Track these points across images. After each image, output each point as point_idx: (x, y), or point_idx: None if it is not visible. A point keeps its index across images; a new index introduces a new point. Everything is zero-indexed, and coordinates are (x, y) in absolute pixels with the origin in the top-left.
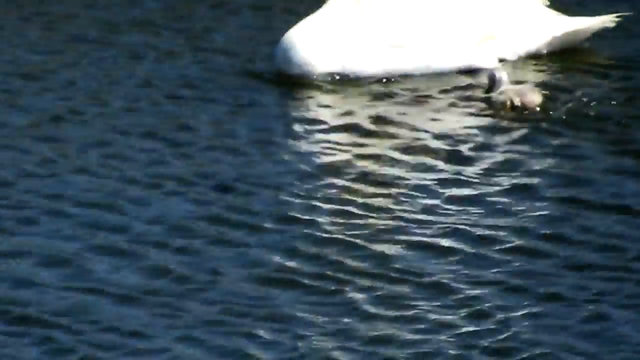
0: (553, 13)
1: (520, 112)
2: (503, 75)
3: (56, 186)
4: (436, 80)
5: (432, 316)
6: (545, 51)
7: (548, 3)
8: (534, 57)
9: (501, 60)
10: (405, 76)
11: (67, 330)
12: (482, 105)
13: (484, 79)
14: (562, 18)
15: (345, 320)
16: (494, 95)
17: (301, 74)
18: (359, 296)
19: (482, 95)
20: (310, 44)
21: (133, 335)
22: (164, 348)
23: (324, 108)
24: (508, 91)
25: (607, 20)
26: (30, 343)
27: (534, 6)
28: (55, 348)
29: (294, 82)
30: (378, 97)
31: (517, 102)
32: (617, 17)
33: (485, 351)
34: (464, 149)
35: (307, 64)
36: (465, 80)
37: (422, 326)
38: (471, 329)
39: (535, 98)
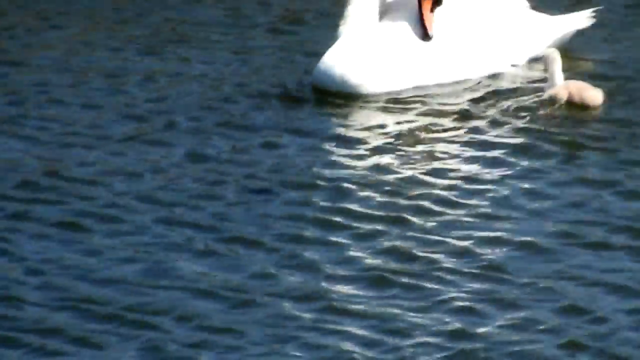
0: (543, 15)
1: (580, 110)
2: (558, 61)
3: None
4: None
5: (536, 316)
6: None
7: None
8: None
9: (513, 65)
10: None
11: (160, 328)
12: (529, 111)
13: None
14: (555, 18)
15: (446, 319)
16: (547, 90)
17: (353, 93)
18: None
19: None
20: (361, 64)
21: (223, 332)
22: (255, 343)
23: (383, 122)
24: (566, 86)
25: (587, 16)
26: (129, 341)
27: (526, 9)
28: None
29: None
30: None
31: (577, 99)
32: (594, 11)
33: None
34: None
35: (360, 85)
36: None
37: (525, 325)
38: (578, 331)
39: (597, 94)
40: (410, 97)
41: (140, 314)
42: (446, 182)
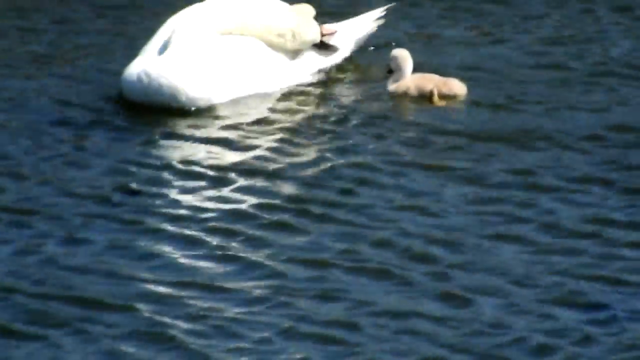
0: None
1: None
2: (408, 58)
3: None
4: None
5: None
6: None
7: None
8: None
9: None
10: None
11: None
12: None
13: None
14: (351, 22)
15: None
16: (396, 85)
17: (178, 104)
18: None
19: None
20: (187, 75)
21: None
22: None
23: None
24: (426, 79)
25: (378, 15)
26: None
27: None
28: None
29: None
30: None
31: (445, 89)
32: (384, 10)
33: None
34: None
35: (186, 94)
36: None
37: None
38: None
39: (460, 87)
40: (232, 107)
41: None
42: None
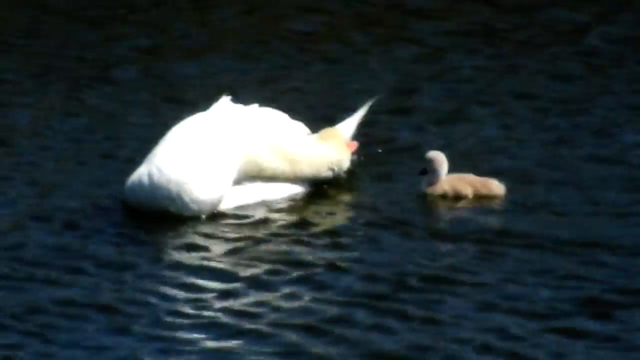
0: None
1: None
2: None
3: None
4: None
5: None
6: None
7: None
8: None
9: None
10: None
11: None
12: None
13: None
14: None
15: None
16: (432, 184)
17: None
18: None
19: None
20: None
21: None
22: None
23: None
24: (465, 180)
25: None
26: None
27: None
28: None
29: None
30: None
31: (484, 190)
32: (370, 105)
33: None
34: None
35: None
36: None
37: None
38: None
39: (498, 187)
40: (234, 215)
41: None
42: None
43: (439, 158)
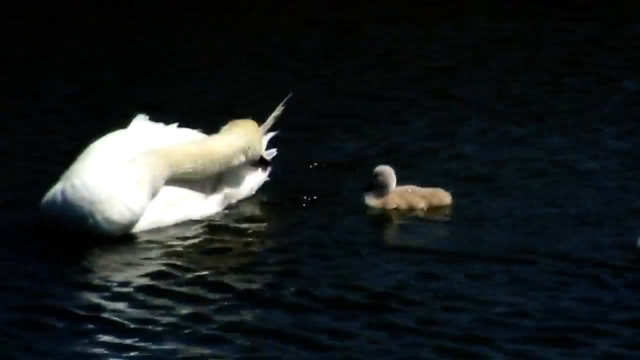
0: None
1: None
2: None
3: None
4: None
5: None
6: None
7: None
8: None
9: (227, 208)
10: None
11: None
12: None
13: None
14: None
15: None
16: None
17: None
18: None
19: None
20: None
21: None
22: None
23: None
24: (416, 192)
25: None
26: None
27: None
28: None
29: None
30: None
31: (434, 202)
32: (282, 104)
33: None
34: None
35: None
36: None
37: None
38: None
39: (447, 196)
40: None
41: None
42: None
43: (387, 172)
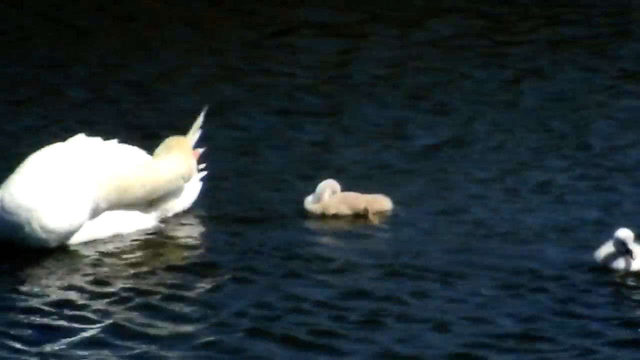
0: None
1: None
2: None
3: None
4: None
5: None
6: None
7: None
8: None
9: (163, 221)
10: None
11: None
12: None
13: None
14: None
15: None
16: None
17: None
18: None
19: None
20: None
21: None
22: None
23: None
24: (358, 197)
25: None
26: None
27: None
28: None
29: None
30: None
31: (376, 207)
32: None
33: None
34: None
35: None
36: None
37: None
38: None
39: (387, 202)
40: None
41: None
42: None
43: (333, 186)
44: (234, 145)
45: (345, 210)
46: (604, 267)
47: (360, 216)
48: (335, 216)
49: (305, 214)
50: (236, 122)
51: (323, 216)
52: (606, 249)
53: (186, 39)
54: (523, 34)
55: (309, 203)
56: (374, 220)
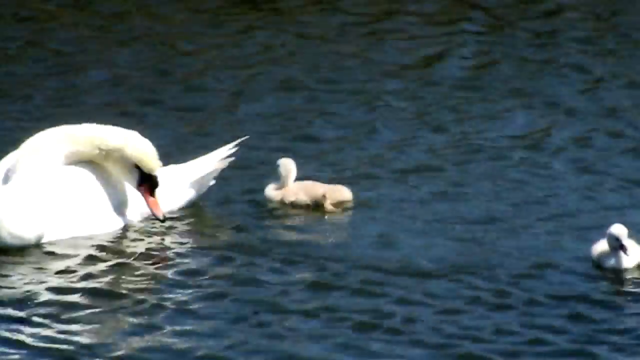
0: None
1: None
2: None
3: None
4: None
5: None
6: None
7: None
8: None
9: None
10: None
11: None
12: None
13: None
14: (187, 165)
15: None
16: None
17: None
18: None
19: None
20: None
21: None
22: None
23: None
24: (317, 186)
25: (226, 153)
26: None
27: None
28: None
29: None
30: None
31: (336, 197)
32: (236, 145)
33: None
34: None
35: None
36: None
37: None
38: None
39: (348, 193)
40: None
41: None
42: None
43: (289, 164)
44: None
45: (303, 198)
46: (598, 265)
47: (319, 205)
48: (294, 204)
49: (267, 201)
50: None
51: (282, 203)
52: (600, 246)
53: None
54: None
55: (270, 190)
56: (331, 209)
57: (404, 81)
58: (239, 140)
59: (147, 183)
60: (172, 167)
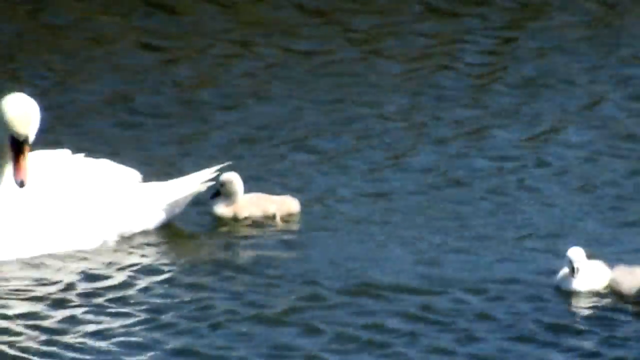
0: (153, 184)
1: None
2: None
3: None
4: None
5: None
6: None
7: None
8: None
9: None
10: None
11: None
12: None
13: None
14: (166, 185)
15: None
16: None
17: None
18: None
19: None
20: None
21: None
22: None
23: None
24: (266, 200)
25: (206, 177)
26: None
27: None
28: None
29: None
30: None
31: (284, 210)
32: (216, 170)
33: None
34: None
35: None
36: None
37: None
38: None
39: (296, 205)
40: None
41: None
42: None
43: (235, 179)
44: None
45: (256, 212)
46: (558, 288)
47: (270, 218)
48: (246, 219)
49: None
50: None
51: (235, 219)
52: (564, 270)
53: None
54: None
55: (221, 207)
56: (281, 225)
57: (396, 94)
58: (220, 166)
59: (16, 146)
60: (151, 185)
